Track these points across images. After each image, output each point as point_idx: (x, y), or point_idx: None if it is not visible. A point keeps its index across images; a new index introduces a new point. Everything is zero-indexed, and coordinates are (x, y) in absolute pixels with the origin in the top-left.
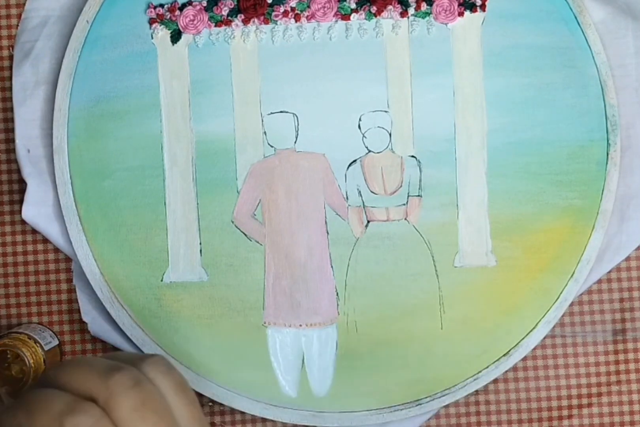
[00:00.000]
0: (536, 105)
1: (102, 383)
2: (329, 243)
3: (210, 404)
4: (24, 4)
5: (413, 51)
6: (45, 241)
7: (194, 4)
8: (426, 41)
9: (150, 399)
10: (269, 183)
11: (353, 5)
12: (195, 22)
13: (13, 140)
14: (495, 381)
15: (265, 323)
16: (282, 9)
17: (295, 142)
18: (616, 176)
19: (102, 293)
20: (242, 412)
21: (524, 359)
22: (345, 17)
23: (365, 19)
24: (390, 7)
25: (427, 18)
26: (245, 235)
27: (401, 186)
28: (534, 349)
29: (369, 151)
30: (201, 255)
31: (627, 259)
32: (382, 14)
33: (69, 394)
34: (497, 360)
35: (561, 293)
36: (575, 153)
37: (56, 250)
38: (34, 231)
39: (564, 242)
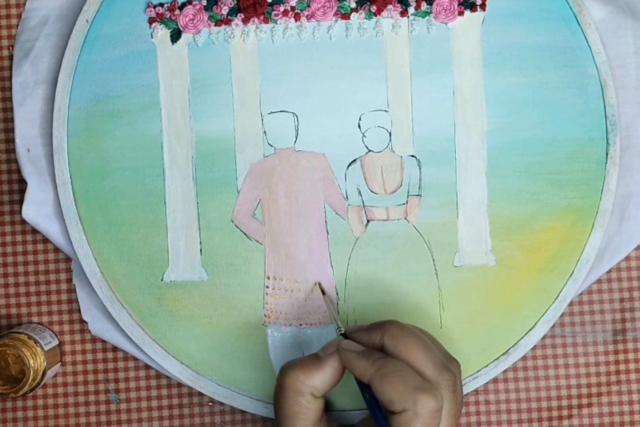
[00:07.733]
0: (536, 104)
1: (435, 376)
2: (329, 243)
3: (210, 403)
4: (24, 4)
5: (413, 51)
6: (45, 240)
7: (193, 3)
8: (426, 41)
9: (456, 407)
10: (268, 183)
11: (353, 5)
12: (195, 21)
13: (13, 140)
14: (495, 380)
15: (265, 322)
16: (282, 8)
17: (295, 142)
18: (616, 176)
19: (102, 292)
20: (242, 412)
21: (524, 358)
22: (345, 16)
23: (365, 18)
24: (390, 6)
25: (427, 17)
26: (245, 234)
27: (401, 186)
28: (534, 349)
29: (369, 151)
30: (201, 254)
31: (627, 259)
32: (382, 13)
33: (417, 374)
34: (497, 359)
35: (560, 292)
36: (574, 152)
37: (56, 250)
38: (34, 231)
39: (564, 241)
